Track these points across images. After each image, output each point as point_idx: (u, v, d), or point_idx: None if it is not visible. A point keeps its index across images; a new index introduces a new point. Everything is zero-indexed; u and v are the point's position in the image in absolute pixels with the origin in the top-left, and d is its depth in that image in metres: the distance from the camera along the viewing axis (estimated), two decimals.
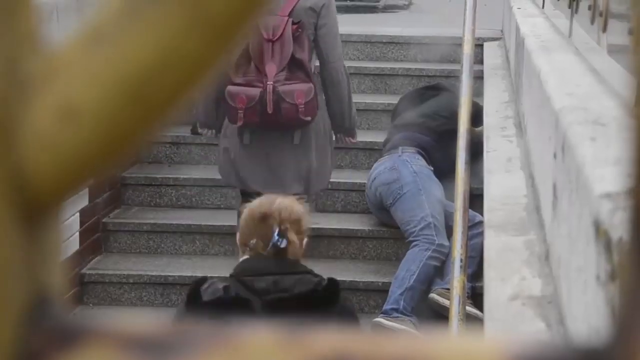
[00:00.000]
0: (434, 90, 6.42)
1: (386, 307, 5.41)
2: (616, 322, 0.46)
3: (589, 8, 3.24)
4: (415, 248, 5.56)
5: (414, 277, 5.45)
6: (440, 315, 5.32)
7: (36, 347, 0.50)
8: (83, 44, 0.51)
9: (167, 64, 0.49)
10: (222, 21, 0.48)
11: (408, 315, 5.37)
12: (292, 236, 3.38)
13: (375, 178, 5.92)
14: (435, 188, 5.76)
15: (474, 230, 5.16)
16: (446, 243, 5.49)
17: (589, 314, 1.41)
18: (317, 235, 5.22)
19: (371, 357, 0.47)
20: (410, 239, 5.61)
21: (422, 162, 5.90)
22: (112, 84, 0.50)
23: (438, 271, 5.55)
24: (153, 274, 5.90)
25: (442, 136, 5.95)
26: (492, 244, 2.42)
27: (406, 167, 5.82)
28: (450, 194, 5.16)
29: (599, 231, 1.33)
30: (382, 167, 5.92)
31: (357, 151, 6.58)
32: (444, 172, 5.66)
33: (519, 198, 2.80)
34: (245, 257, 3.42)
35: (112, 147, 0.51)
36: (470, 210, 4.84)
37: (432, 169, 5.90)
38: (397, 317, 5.36)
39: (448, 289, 4.82)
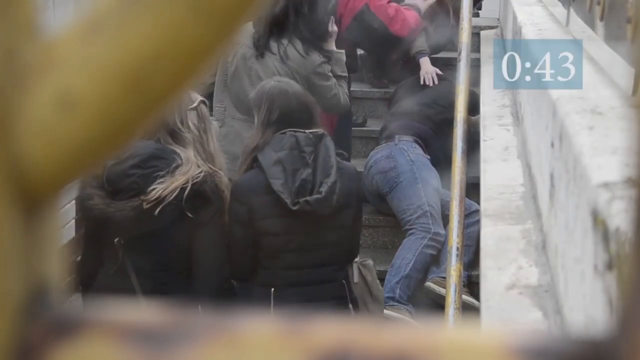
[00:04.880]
0: None
1: None
2: (617, 314, 0.46)
3: None
4: (412, 236, 5.55)
5: (410, 265, 5.44)
6: (436, 303, 5.33)
7: (34, 339, 0.49)
8: (81, 32, 0.50)
9: (167, 52, 0.49)
10: (224, 10, 0.48)
11: (404, 304, 5.38)
12: None
13: (372, 166, 5.91)
14: (432, 177, 5.75)
15: (470, 219, 5.16)
16: (442, 232, 5.49)
17: (586, 304, 1.41)
18: None
19: (372, 348, 0.47)
20: (407, 227, 5.60)
21: (419, 150, 5.89)
22: (111, 73, 0.50)
23: (434, 260, 5.55)
24: None
25: (439, 125, 5.94)
26: (489, 233, 2.41)
27: (403, 155, 5.81)
28: (446, 183, 5.15)
29: (597, 221, 1.32)
30: (378, 155, 5.91)
31: (354, 139, 6.57)
32: (441, 160, 5.65)
33: (516, 187, 2.80)
34: None
35: (111, 137, 0.51)
36: (466, 199, 4.84)
37: (429, 157, 5.89)
38: (394, 305, 5.36)
39: (444, 278, 4.82)
